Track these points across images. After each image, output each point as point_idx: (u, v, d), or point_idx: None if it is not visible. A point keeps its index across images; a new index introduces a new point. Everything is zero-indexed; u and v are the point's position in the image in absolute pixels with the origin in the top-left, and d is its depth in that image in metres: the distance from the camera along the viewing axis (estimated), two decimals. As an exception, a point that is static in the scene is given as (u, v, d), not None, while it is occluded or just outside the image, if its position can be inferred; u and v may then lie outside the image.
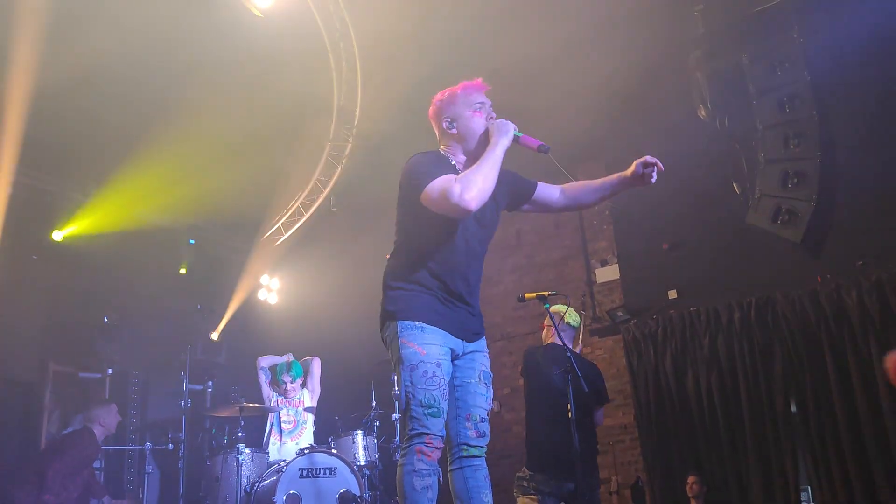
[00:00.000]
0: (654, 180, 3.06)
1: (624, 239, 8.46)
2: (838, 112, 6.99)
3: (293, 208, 9.13)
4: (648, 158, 3.02)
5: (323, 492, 5.54)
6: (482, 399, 2.97)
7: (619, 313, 8.06)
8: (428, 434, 2.75)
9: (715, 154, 7.56)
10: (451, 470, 2.92)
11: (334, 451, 5.87)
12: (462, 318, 2.97)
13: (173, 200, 7.75)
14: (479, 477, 2.90)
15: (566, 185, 3.27)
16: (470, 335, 3.00)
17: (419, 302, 2.89)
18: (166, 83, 6.79)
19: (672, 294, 7.87)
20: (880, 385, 6.29)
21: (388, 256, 3.15)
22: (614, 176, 3.15)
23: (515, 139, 2.93)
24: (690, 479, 6.87)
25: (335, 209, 9.07)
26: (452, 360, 2.94)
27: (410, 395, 2.78)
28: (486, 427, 2.96)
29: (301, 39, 7.34)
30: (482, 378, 3.00)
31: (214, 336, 8.35)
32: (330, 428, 6.56)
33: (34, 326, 7.04)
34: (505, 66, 6.98)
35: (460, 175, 2.84)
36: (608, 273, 8.51)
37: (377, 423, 6.48)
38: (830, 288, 6.74)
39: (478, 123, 3.01)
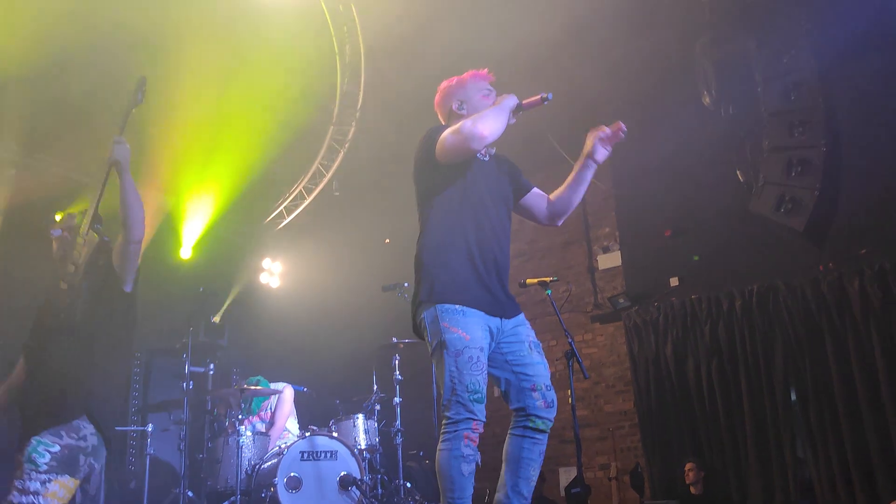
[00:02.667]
0: (621, 137, 3.14)
1: (626, 225, 8.45)
2: (844, 100, 6.95)
3: (295, 192, 9.13)
4: (603, 134, 3.13)
5: (323, 474, 5.57)
6: (541, 367, 2.97)
7: (621, 300, 8.06)
8: (475, 420, 2.77)
9: (719, 141, 7.53)
10: (511, 434, 2.93)
11: (335, 434, 5.89)
12: (497, 296, 2.96)
13: (175, 183, 7.75)
14: (535, 451, 2.91)
15: (551, 196, 3.30)
16: (506, 312, 2.98)
17: (457, 282, 2.90)
18: (169, 65, 6.76)
19: (674, 281, 7.87)
20: (881, 374, 6.30)
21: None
22: (578, 164, 3.21)
23: (519, 107, 3.02)
24: (688, 465, 6.89)
25: (338, 193, 9.07)
26: (494, 340, 2.95)
27: (456, 381, 2.77)
28: (552, 395, 2.95)
29: (305, 23, 7.31)
30: (533, 347, 3.00)
31: (216, 319, 8.37)
32: (331, 411, 6.59)
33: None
34: (508, 52, 6.95)
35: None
36: (610, 259, 8.51)
37: (378, 408, 6.50)
38: (832, 276, 6.74)
39: (485, 106, 3.09)
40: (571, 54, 7.03)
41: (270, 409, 6.49)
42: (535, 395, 2.91)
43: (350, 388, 7.23)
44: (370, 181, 9.04)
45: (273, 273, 9.37)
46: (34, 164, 6.93)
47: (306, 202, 9.11)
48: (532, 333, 3.06)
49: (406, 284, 6.66)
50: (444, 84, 3.28)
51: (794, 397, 6.87)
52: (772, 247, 7.21)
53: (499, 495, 2.90)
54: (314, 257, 9.41)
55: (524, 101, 3.04)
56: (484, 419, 2.81)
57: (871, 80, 6.86)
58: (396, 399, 6.35)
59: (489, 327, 2.91)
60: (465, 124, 2.87)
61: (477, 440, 2.78)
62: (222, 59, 6.88)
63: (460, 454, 2.74)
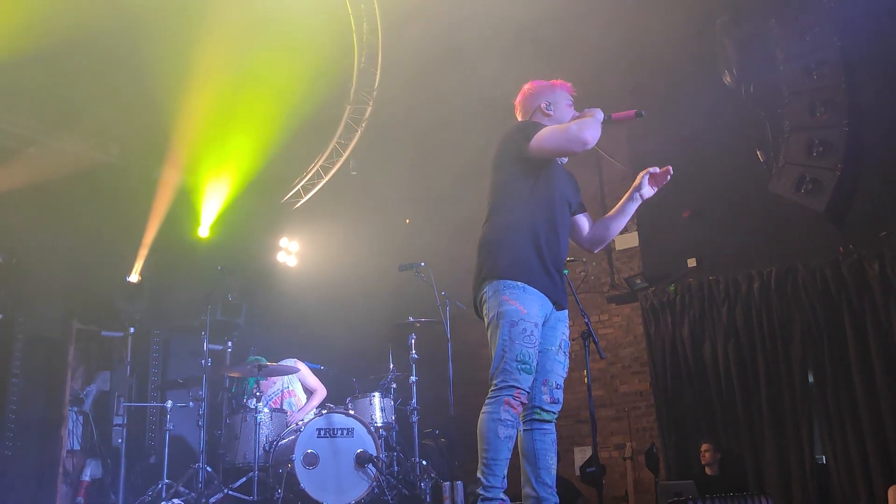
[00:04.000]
0: (667, 179, 3.40)
1: (644, 206, 8.31)
2: (867, 79, 6.84)
3: (313, 171, 9.14)
4: (653, 170, 3.37)
5: (340, 451, 5.63)
6: (560, 367, 3.16)
7: (638, 281, 8.03)
8: (517, 388, 2.92)
9: (739, 121, 7.45)
10: (522, 430, 3.09)
11: (351, 412, 5.94)
12: (557, 284, 3.13)
13: (193, 162, 7.78)
14: (548, 441, 3.10)
15: (594, 223, 3.45)
16: (560, 302, 3.16)
17: (522, 262, 3.05)
18: (187, 43, 6.77)
19: (691, 262, 7.83)
20: (900, 357, 6.26)
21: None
22: (625, 196, 3.41)
23: (608, 119, 3.18)
24: (704, 446, 6.90)
25: (355, 172, 9.07)
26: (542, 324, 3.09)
27: (506, 349, 2.94)
28: (560, 394, 3.14)
29: (322, 1, 7.28)
30: (562, 347, 3.18)
31: (234, 297, 8.41)
32: (347, 389, 6.63)
33: (58, 285, 7.12)
34: (526, 30, 6.90)
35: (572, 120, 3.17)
36: (627, 240, 8.47)
37: (394, 386, 6.54)
38: (852, 258, 6.67)
39: (569, 115, 3.31)
40: (588, 30, 6.95)
41: (286, 388, 6.55)
42: (544, 388, 3.10)
43: (366, 366, 7.27)
44: (387, 160, 9.04)
45: (290, 252, 9.40)
46: (53, 141, 6.97)
47: (323, 181, 9.12)
48: (567, 333, 3.23)
49: (422, 264, 6.68)
50: (533, 83, 3.44)
51: (811, 380, 6.84)
52: (791, 228, 7.15)
53: (525, 489, 3.06)
54: (331, 236, 9.43)
55: (614, 115, 3.21)
56: (528, 390, 2.96)
57: (895, 58, 6.74)
58: (412, 378, 6.39)
59: (545, 311, 3.07)
60: (572, 128, 3.04)
61: (518, 408, 2.93)
62: (239, 38, 6.87)
63: (498, 417, 2.89)
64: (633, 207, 3.41)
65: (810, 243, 6.99)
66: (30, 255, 6.73)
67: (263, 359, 6.39)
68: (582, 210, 3.44)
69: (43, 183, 6.75)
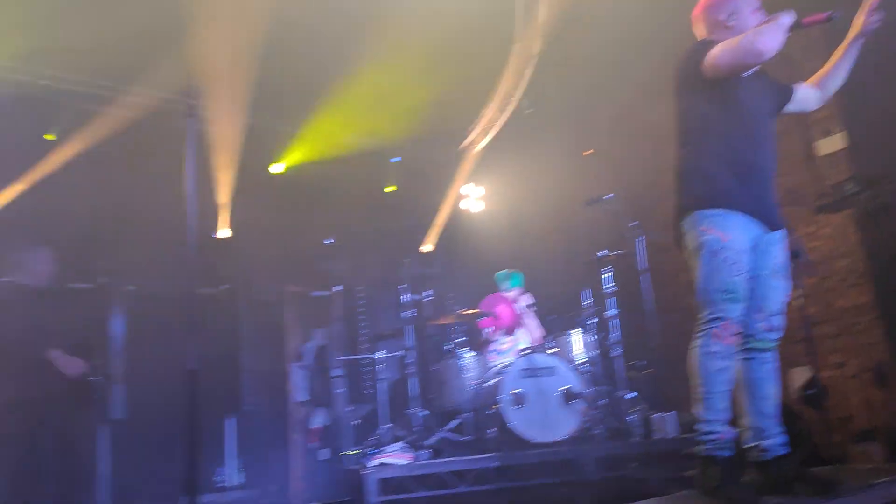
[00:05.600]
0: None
1: (853, 103, 7.60)
2: None
3: (487, 115, 9.13)
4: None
5: (545, 389, 5.70)
6: (776, 292, 2.99)
7: (848, 186, 7.35)
8: (724, 319, 2.81)
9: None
10: (741, 359, 2.98)
11: (553, 350, 5.98)
12: (765, 203, 2.95)
13: (374, 123, 8.04)
14: (765, 370, 2.97)
15: (814, 80, 3.23)
16: (771, 222, 2.96)
17: (721, 187, 2.91)
18: (359, 8, 6.94)
19: (912, 157, 7.04)
20: None
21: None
22: (847, 42, 3.11)
23: (797, 24, 2.89)
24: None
25: (529, 111, 8.96)
26: (757, 248, 2.95)
27: (710, 281, 2.85)
28: (778, 321, 2.99)
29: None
30: (778, 269, 3.00)
31: (427, 249, 8.69)
32: (547, 328, 6.68)
33: (270, 253, 7.71)
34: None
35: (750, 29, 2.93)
36: (832, 143, 7.74)
37: (596, 320, 6.49)
38: None
39: (755, 21, 3.02)
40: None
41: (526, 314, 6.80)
42: (759, 316, 2.94)
43: (563, 304, 7.26)
44: (562, 94, 8.85)
45: (475, 197, 9.52)
46: (246, 119, 7.48)
47: (498, 123, 9.10)
48: (784, 255, 3.01)
49: (611, 196, 6.51)
50: None
51: None
52: None
53: (745, 420, 2.97)
54: (514, 177, 9.44)
55: (804, 20, 2.92)
56: (736, 318, 2.82)
57: None
58: (611, 311, 6.31)
59: (752, 233, 2.90)
60: (744, 40, 2.81)
61: (728, 338, 2.81)
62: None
63: (708, 350, 2.81)
64: (857, 50, 3.16)
65: None
66: (243, 226, 7.33)
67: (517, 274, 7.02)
68: (794, 92, 3.20)
69: (244, 158, 7.30)
